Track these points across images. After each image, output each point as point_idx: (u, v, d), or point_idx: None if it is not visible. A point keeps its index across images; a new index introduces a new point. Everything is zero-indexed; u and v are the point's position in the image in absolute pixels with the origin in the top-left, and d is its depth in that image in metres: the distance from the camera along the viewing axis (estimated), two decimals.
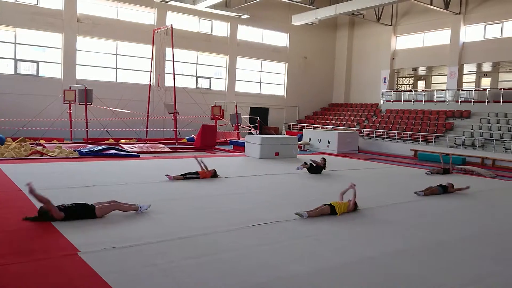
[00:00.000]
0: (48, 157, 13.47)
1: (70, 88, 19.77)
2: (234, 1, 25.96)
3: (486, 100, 22.18)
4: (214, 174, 10.38)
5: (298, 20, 27.22)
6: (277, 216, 6.78)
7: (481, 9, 23.85)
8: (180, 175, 9.87)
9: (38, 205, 6.50)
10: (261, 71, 29.78)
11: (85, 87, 19.03)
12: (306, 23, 27.65)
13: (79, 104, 19.31)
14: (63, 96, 19.14)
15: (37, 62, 21.77)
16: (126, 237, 5.38)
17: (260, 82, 29.87)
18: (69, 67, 22.26)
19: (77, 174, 10.03)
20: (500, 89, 22.93)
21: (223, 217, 6.60)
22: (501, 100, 21.46)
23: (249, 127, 25.48)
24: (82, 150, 14.38)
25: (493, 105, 21.79)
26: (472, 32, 24.46)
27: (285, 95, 30.95)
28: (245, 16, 26.44)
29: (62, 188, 8.19)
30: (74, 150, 14.50)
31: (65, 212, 5.88)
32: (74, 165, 11.63)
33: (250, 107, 28.60)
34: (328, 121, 28.38)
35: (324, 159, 12.31)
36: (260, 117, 27.09)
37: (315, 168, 11.91)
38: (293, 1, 24.24)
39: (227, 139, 22.24)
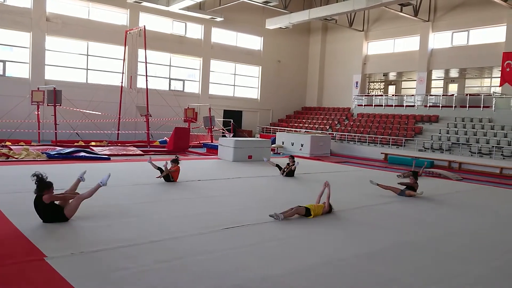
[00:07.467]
0: (14, 159, 13.04)
1: (38, 88, 19.23)
2: (208, 4, 25.91)
3: (453, 105, 22.90)
4: (175, 161, 10.11)
5: (272, 24, 27.43)
6: (250, 219, 6.79)
7: (449, 17, 24.63)
8: (158, 167, 9.76)
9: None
10: (235, 74, 29.79)
11: (54, 87, 18.56)
12: (280, 27, 27.91)
13: (47, 105, 18.79)
14: (30, 97, 18.59)
15: (4, 62, 21.08)
16: (95, 241, 5.27)
17: (234, 85, 29.87)
18: (38, 67, 21.65)
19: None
20: (466, 94, 23.73)
21: (196, 220, 6.56)
22: (467, 105, 22.21)
23: (223, 130, 25.42)
24: (51, 153, 13.98)
25: (460, 110, 22.51)
26: (440, 39, 25.23)
27: (259, 98, 31.06)
28: (219, 19, 26.43)
29: (30, 192, 7.92)
30: (42, 153, 14.08)
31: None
32: (42, 168, 11.24)
33: (224, 110, 28.55)
34: (301, 125, 28.63)
35: (291, 156, 12.42)
36: (233, 120, 27.05)
37: (288, 171, 12.02)
38: (267, 5, 24.39)
39: (201, 142, 22.10)
